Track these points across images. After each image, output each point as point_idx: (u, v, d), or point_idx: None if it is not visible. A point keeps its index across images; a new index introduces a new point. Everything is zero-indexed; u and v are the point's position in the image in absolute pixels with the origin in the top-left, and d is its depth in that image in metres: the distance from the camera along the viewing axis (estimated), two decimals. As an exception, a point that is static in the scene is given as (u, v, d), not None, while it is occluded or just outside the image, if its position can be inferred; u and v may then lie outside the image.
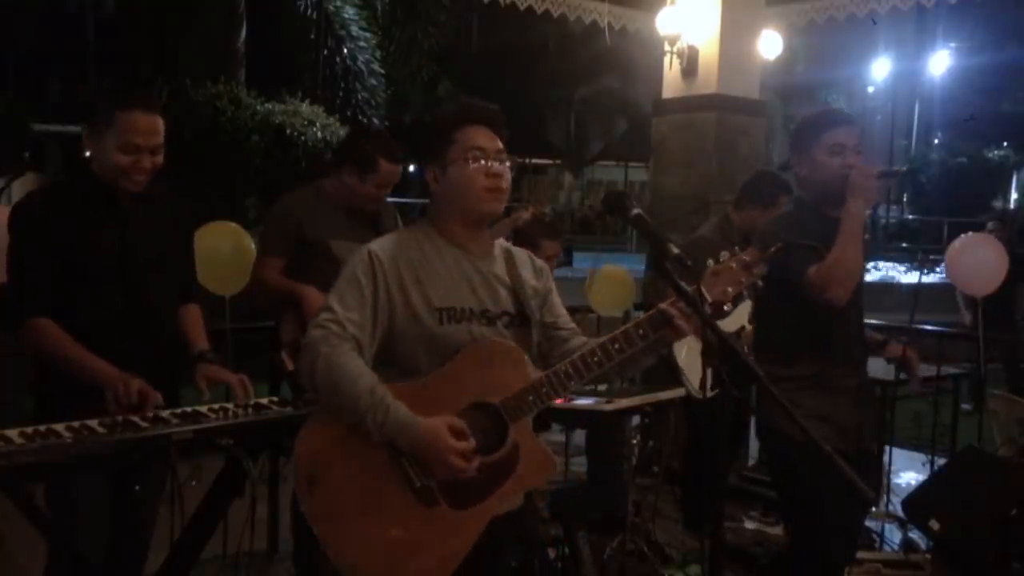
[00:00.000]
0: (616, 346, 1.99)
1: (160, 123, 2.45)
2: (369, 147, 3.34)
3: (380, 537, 1.90)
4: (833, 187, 2.66)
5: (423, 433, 1.87)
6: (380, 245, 2.06)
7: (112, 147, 2.38)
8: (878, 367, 5.25)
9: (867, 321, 5.17)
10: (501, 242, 2.26)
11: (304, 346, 1.93)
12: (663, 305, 2.00)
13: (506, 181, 2.08)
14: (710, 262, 2.05)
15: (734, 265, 2.03)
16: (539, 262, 2.28)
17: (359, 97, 10.90)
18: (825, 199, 2.71)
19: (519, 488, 2.02)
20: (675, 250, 1.96)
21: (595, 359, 1.99)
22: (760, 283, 2.08)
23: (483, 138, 2.07)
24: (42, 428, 2.11)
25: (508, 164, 2.08)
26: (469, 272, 2.08)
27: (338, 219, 3.29)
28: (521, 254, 2.24)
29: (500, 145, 2.09)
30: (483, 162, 2.04)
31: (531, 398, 1.97)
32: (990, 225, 7.44)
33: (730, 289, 2.03)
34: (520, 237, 3.64)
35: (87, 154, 2.47)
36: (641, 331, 2.00)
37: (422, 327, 1.99)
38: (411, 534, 1.91)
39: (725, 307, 2.04)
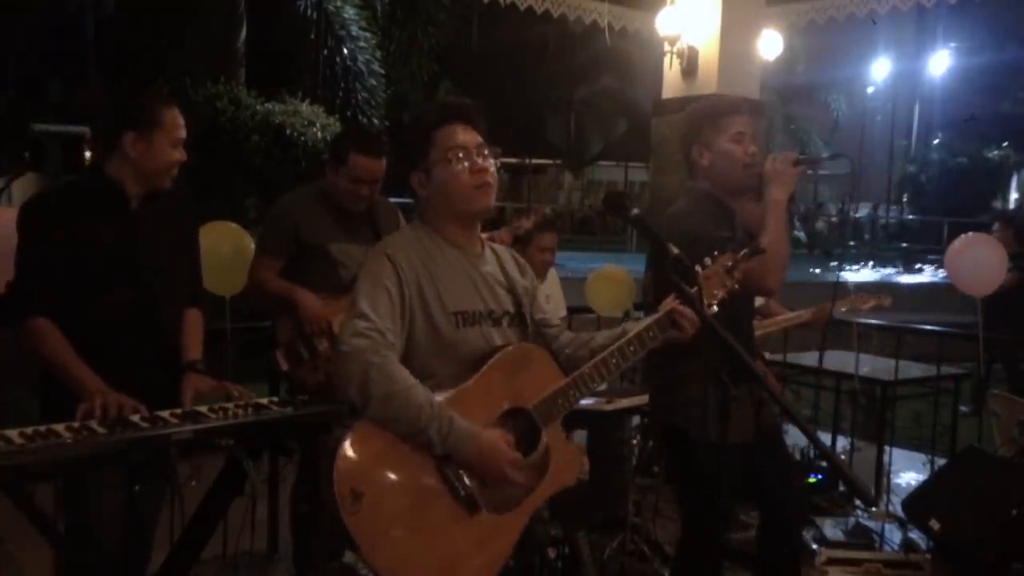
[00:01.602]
0: (632, 348, 2.09)
1: None
2: (343, 139, 3.34)
3: (428, 549, 1.88)
4: (736, 175, 2.67)
5: (486, 445, 1.89)
6: (394, 248, 2.05)
7: (166, 145, 2.49)
8: (878, 366, 5.28)
9: (867, 321, 5.17)
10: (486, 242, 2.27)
11: (348, 355, 1.89)
12: (674, 307, 2.06)
13: (492, 176, 2.08)
14: (698, 268, 2.09)
15: (719, 269, 2.13)
16: (522, 260, 2.31)
17: (359, 97, 10.89)
18: (726, 187, 2.71)
19: (553, 489, 2.05)
20: (675, 250, 1.99)
21: (614, 361, 2.07)
22: (737, 286, 2.16)
23: (462, 135, 2.06)
24: (42, 428, 2.11)
25: (491, 157, 2.09)
26: (472, 273, 2.10)
27: (336, 221, 3.27)
28: (504, 252, 2.27)
29: (480, 139, 2.08)
30: (465, 160, 2.04)
31: (560, 401, 2.03)
32: (996, 227, 7.43)
33: (717, 292, 2.14)
34: (517, 238, 3.65)
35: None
36: (651, 333, 2.10)
37: (439, 332, 2.01)
38: (458, 543, 1.91)
39: (713, 308, 2.12)
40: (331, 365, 2.02)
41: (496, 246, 2.27)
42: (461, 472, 1.91)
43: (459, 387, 1.97)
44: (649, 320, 2.11)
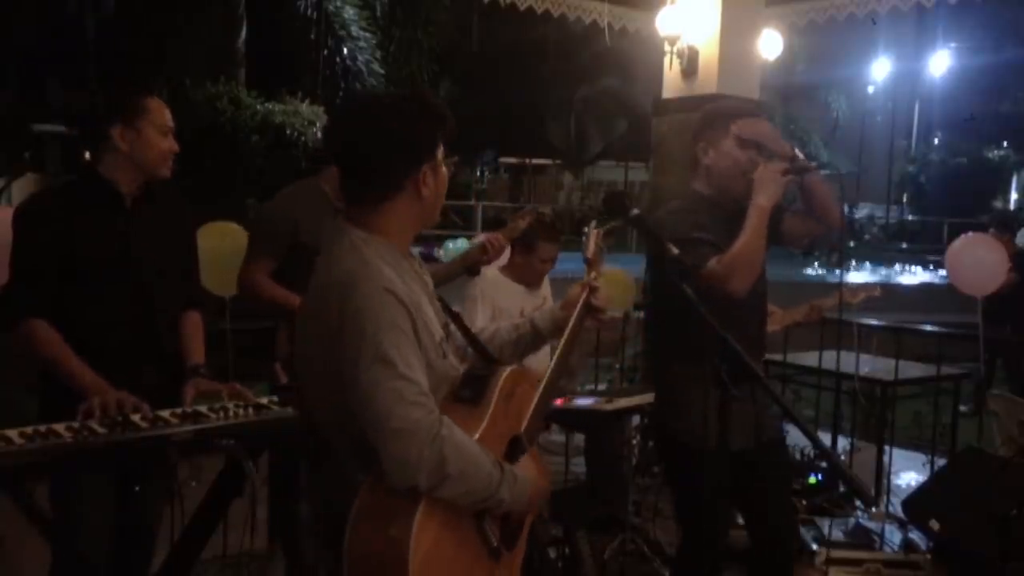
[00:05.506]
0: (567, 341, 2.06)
1: None
2: None
3: None
4: (735, 179, 2.66)
5: (536, 487, 1.85)
6: (381, 279, 1.68)
7: (153, 133, 2.48)
8: (878, 366, 5.28)
9: (868, 323, 5.16)
10: None
11: (410, 434, 1.58)
12: (585, 293, 2.05)
13: None
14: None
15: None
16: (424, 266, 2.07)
17: (359, 97, 10.90)
18: (723, 190, 2.70)
19: (536, 512, 1.98)
20: (674, 250, 1.99)
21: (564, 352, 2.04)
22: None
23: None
24: (42, 428, 2.11)
25: None
26: (427, 289, 1.87)
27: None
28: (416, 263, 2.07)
29: None
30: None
31: (539, 416, 1.96)
32: (992, 231, 7.43)
33: None
34: (516, 241, 3.62)
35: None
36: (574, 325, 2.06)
37: (432, 368, 1.73)
38: None
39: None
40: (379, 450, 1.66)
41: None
42: (496, 522, 1.80)
43: (479, 430, 1.75)
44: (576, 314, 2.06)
